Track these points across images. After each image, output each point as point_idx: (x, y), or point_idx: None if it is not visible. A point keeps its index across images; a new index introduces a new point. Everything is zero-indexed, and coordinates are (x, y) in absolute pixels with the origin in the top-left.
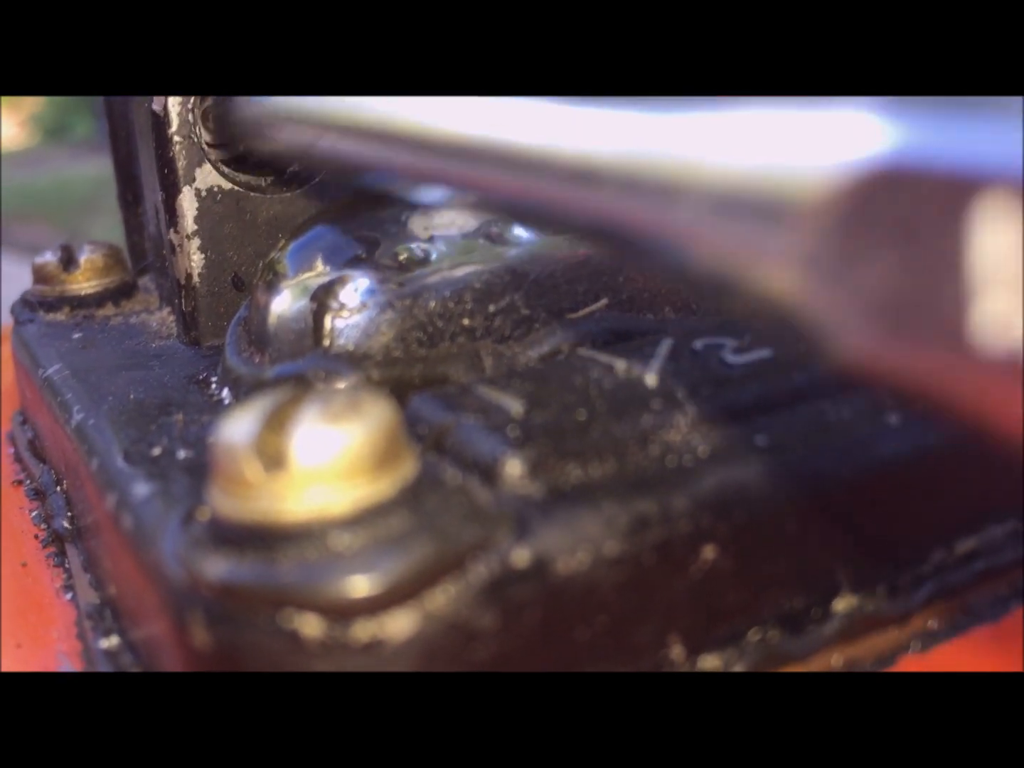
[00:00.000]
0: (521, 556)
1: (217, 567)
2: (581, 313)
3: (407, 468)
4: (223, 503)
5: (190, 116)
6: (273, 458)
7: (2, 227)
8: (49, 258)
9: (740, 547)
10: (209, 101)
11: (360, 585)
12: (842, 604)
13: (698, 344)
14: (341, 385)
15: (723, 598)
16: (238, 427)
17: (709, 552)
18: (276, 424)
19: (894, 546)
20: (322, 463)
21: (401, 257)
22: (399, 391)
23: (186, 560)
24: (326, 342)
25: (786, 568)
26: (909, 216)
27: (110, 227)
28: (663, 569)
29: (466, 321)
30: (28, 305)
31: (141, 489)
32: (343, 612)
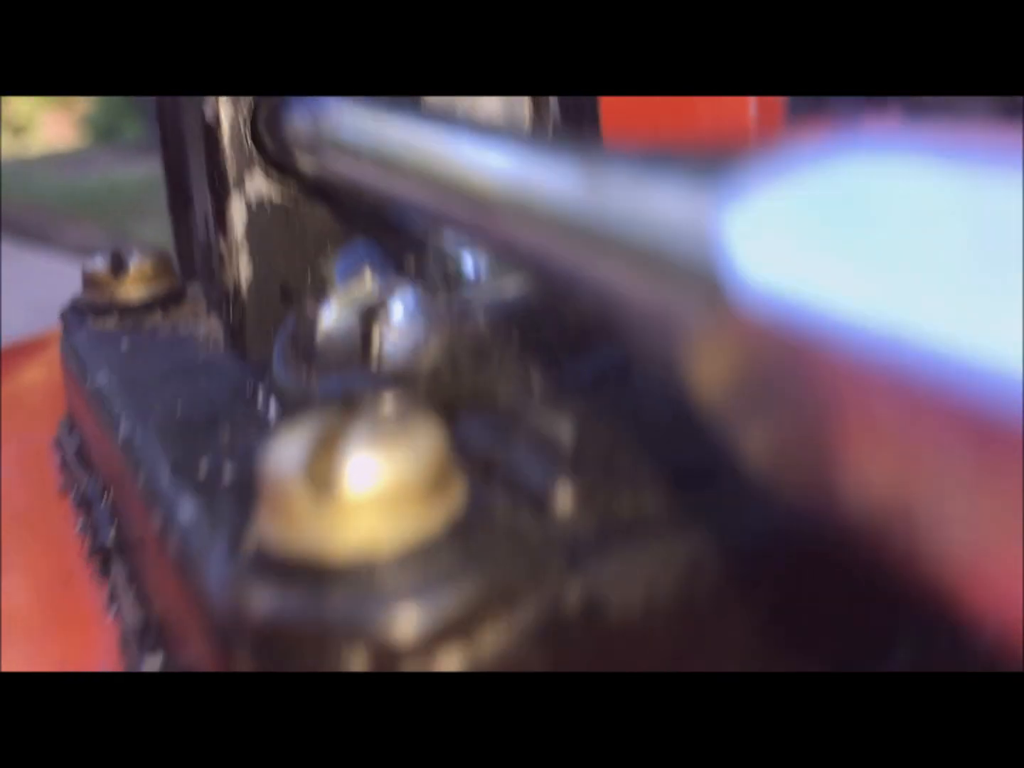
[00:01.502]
0: (572, 593)
1: (263, 600)
2: None
3: (456, 497)
4: (270, 532)
5: (242, 124)
6: (322, 487)
7: (53, 227)
8: (99, 264)
9: (803, 586)
10: (262, 109)
11: (409, 624)
12: (904, 652)
13: None
14: (388, 404)
15: (784, 640)
16: (285, 454)
17: (770, 592)
18: (324, 451)
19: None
20: (372, 493)
21: (451, 271)
22: (447, 412)
23: (232, 590)
24: (374, 359)
25: (850, 608)
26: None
27: (158, 229)
28: (721, 608)
29: (516, 340)
30: (77, 311)
31: (187, 509)
32: (391, 651)
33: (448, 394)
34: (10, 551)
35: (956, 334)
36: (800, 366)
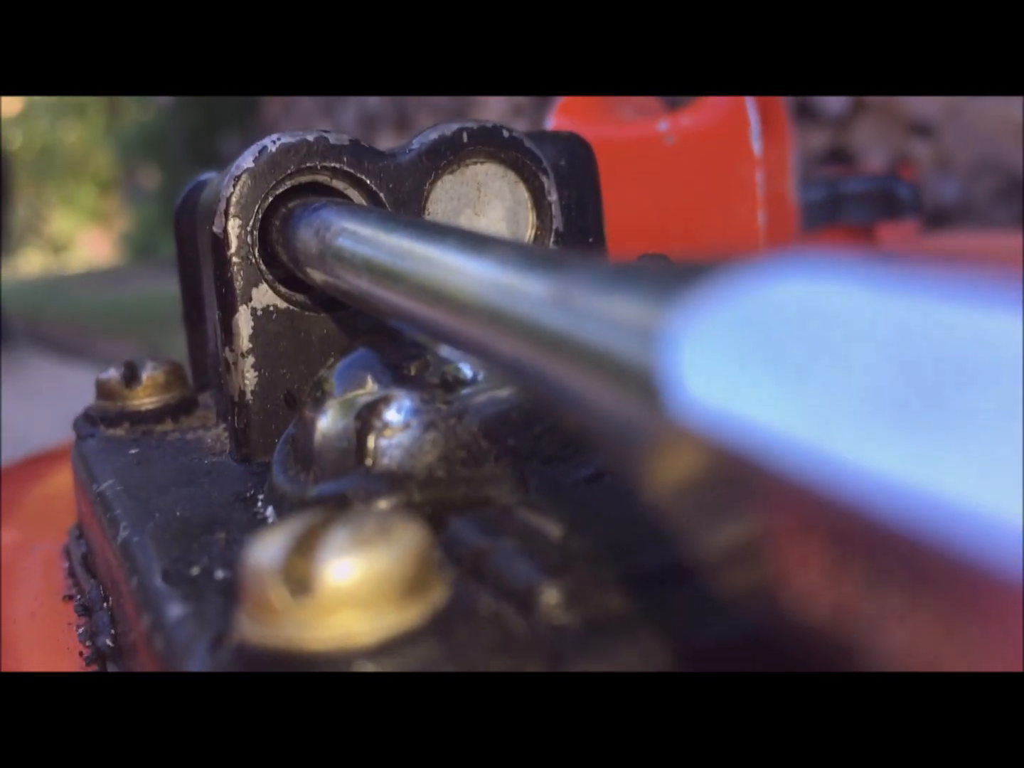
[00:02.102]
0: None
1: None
2: None
3: (438, 595)
4: (249, 628)
5: (248, 238)
6: (300, 583)
7: (88, 342)
8: (112, 374)
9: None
10: (271, 223)
11: None
12: None
13: None
14: (383, 505)
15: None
16: (266, 551)
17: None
18: (304, 548)
19: None
20: (349, 589)
21: (448, 376)
22: (441, 512)
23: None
24: (369, 461)
25: None
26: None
27: None
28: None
29: (511, 442)
30: (89, 420)
31: (175, 610)
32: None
33: (442, 494)
34: (11, 657)
35: (866, 450)
36: (735, 475)
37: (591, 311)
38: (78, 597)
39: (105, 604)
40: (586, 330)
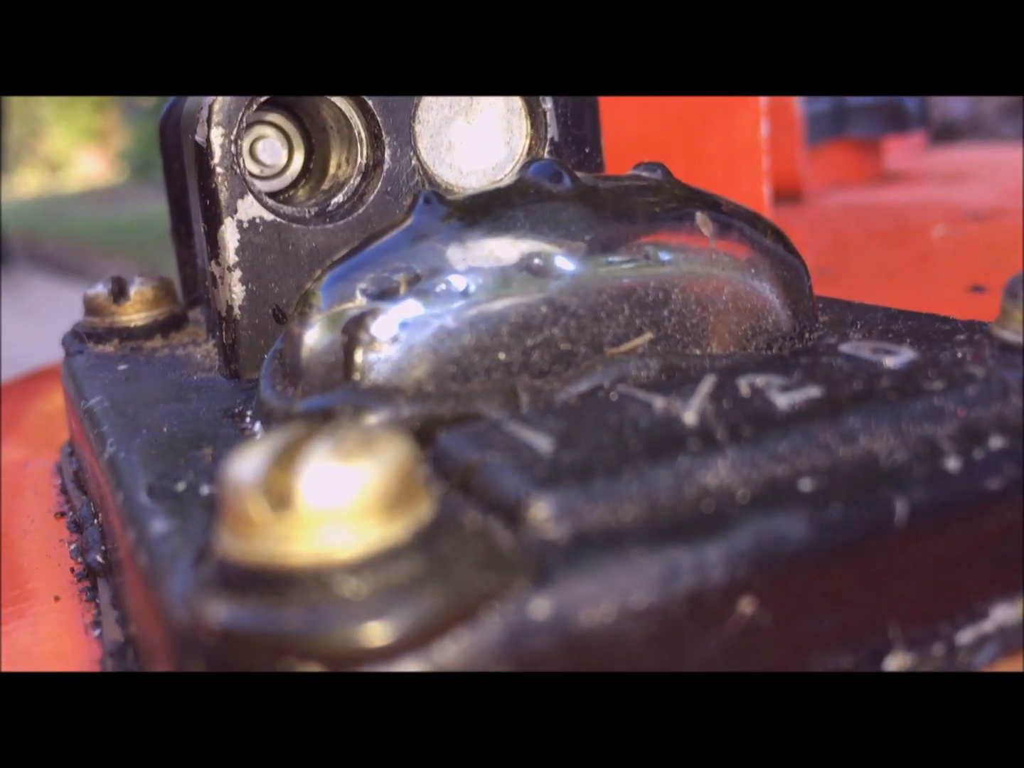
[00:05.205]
0: (540, 606)
1: (219, 611)
2: (623, 348)
3: (423, 510)
4: (230, 543)
5: (233, 147)
6: (280, 497)
7: (87, 261)
8: (100, 290)
9: (781, 601)
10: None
11: (366, 634)
12: (894, 664)
13: (742, 381)
14: (370, 420)
15: (761, 656)
16: (246, 464)
17: (746, 606)
18: (285, 461)
19: (953, 602)
20: (330, 503)
21: (438, 289)
22: (430, 427)
23: (190, 602)
24: (356, 376)
25: (831, 624)
26: None
27: None
28: (695, 623)
29: (502, 356)
30: (78, 337)
31: (159, 525)
32: (347, 662)
33: (431, 409)
34: (3, 576)
35: None
36: None
37: None
38: (70, 514)
39: (95, 520)
40: None
